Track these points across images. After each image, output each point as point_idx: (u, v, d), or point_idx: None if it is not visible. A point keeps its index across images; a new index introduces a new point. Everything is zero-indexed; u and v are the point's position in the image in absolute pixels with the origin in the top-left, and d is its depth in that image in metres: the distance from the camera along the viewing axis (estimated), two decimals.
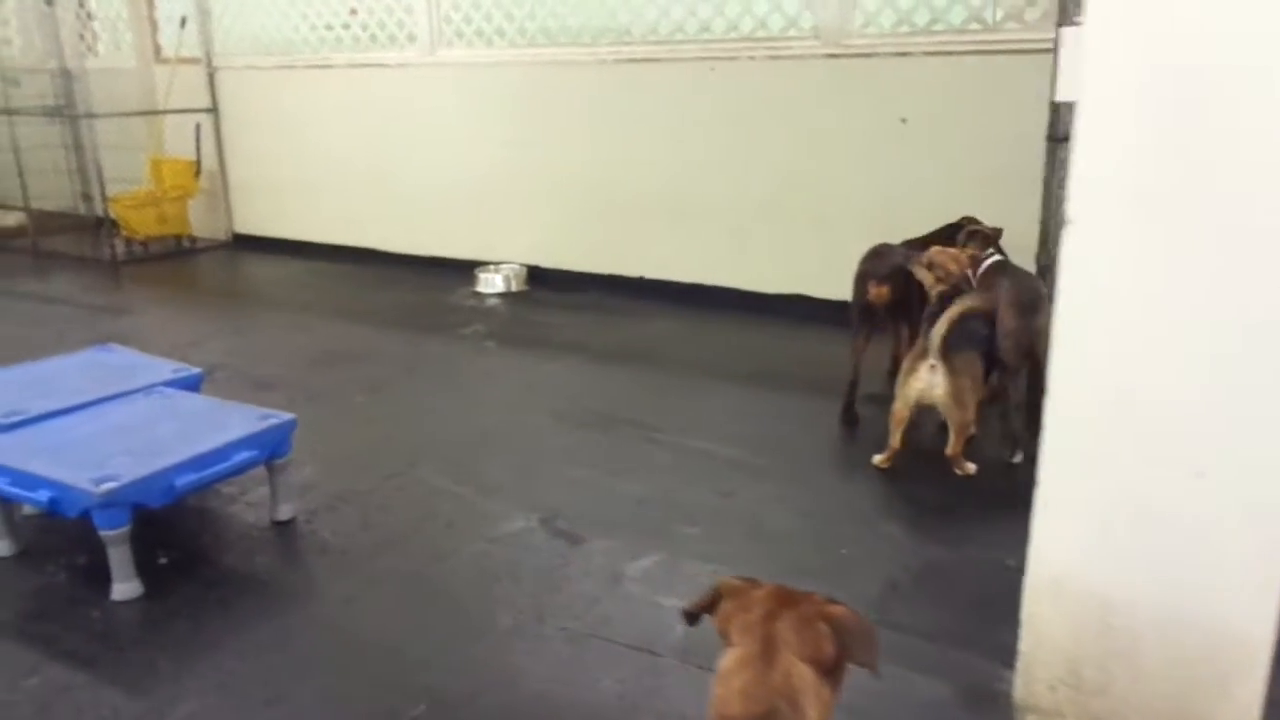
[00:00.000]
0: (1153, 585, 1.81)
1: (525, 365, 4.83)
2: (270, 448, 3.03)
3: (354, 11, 6.88)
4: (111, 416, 3.11)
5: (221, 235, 8.06)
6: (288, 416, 3.09)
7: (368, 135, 6.99)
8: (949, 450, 3.36)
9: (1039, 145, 4.03)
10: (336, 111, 7.09)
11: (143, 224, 7.60)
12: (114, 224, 7.47)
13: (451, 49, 6.50)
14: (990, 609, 2.54)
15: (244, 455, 2.94)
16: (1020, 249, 4.24)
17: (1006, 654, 2.30)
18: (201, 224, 7.99)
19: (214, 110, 7.76)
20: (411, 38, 6.65)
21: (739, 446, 3.70)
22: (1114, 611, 1.86)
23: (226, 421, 3.05)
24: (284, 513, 3.15)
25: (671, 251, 5.91)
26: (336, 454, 3.65)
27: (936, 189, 4.85)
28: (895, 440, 3.42)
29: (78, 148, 8.28)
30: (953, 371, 3.26)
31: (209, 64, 7.67)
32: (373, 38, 6.85)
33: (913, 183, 4.99)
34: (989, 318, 3.38)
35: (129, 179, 7.69)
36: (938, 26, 4.91)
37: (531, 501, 3.25)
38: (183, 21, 7.61)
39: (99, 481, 2.61)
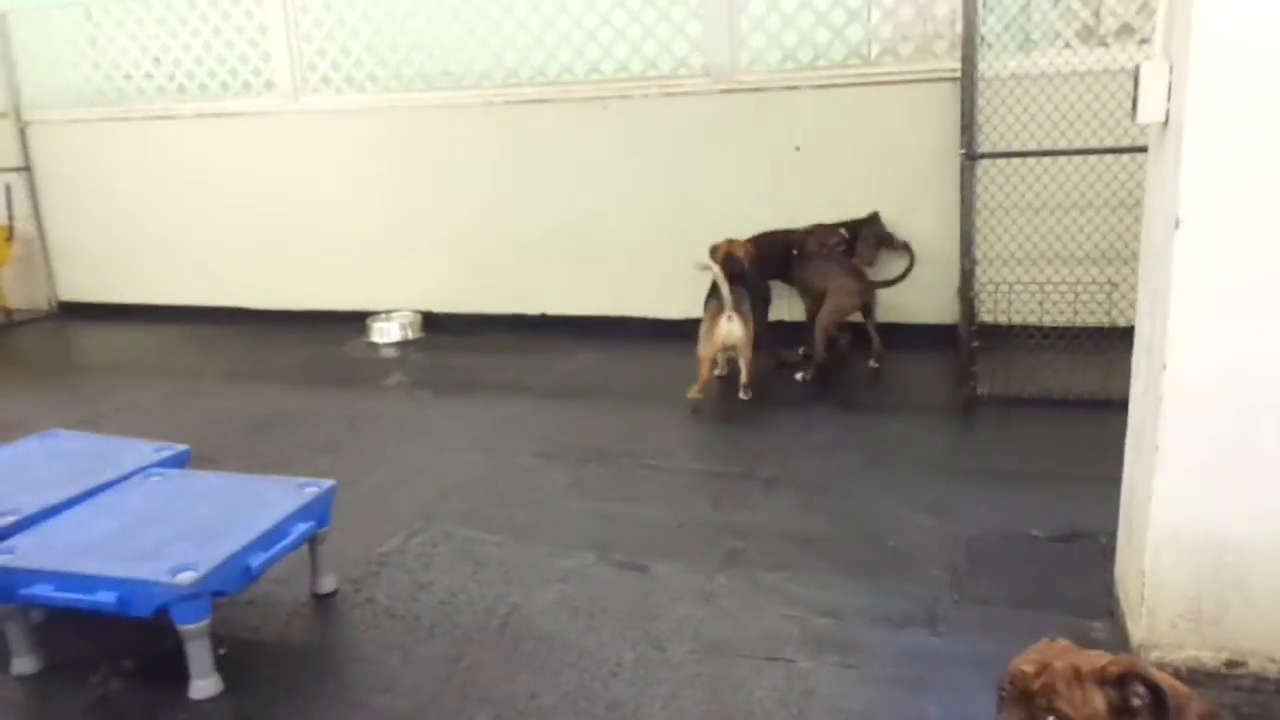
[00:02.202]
0: (1261, 521, 2.16)
1: (471, 410, 4.77)
2: (320, 517, 2.89)
3: (157, 60, 6.50)
4: (125, 505, 2.84)
5: (43, 305, 7.31)
6: (328, 484, 2.96)
7: (221, 189, 6.60)
8: (743, 379, 4.54)
9: (947, 165, 4.51)
10: (182, 165, 6.65)
11: None
12: None
13: (318, 95, 6.29)
14: (1045, 571, 2.87)
15: (302, 528, 2.79)
16: (938, 256, 4.72)
17: (1081, 606, 2.65)
18: (16, 294, 7.20)
19: (27, 169, 7.04)
20: (269, 85, 6.38)
21: (736, 463, 3.88)
22: (1228, 550, 2.20)
23: (265, 495, 2.87)
24: (327, 585, 3.00)
25: (574, 287, 6.00)
26: (341, 520, 3.48)
27: (837, 210, 5.26)
28: (704, 375, 4.56)
29: None
30: (745, 321, 4.39)
31: (18, 118, 6.95)
32: (224, 86, 6.49)
33: (811, 205, 5.37)
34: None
35: None
36: (821, 62, 5.35)
37: (574, 539, 3.27)
38: None
39: (174, 572, 2.41)
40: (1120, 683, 1.55)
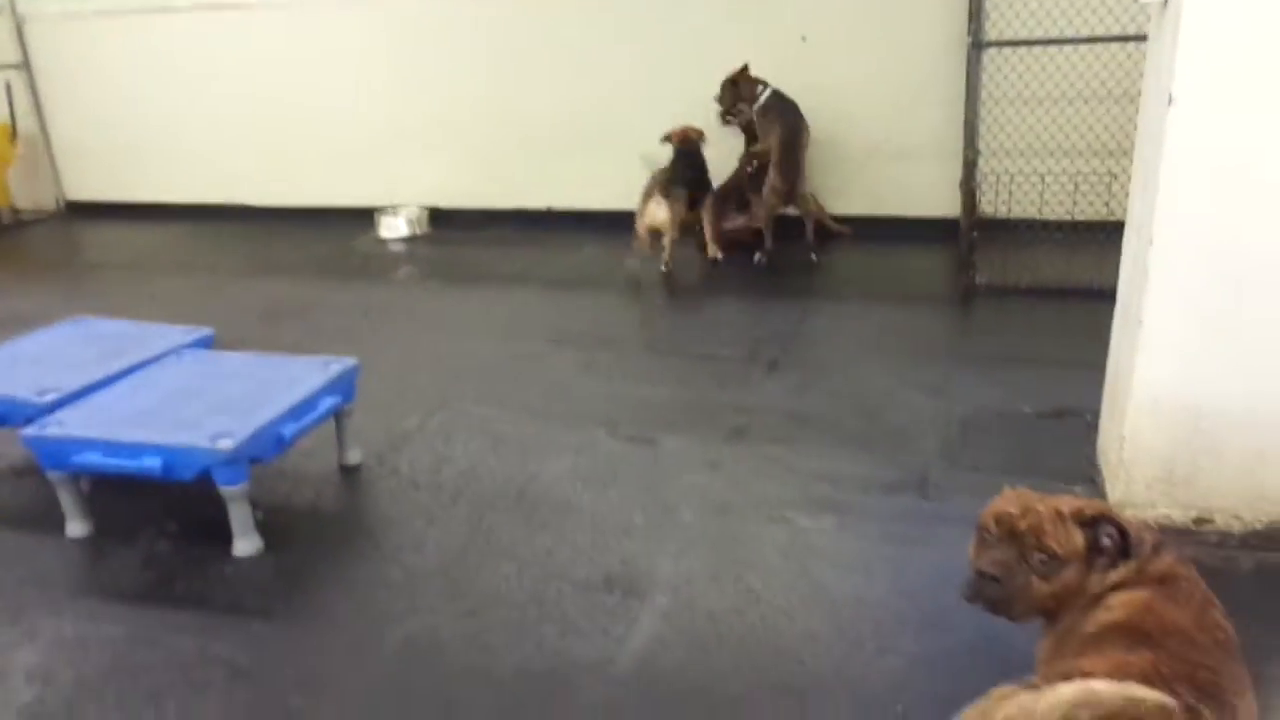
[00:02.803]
0: (1235, 390, 2.31)
1: (482, 300, 4.90)
2: (346, 392, 3.04)
3: None
4: (161, 382, 2.99)
5: (50, 205, 7.35)
6: (350, 361, 3.10)
7: (228, 83, 6.58)
8: (665, 256, 4.96)
9: (954, 55, 4.53)
10: (185, 59, 6.62)
11: None
12: None
13: None
14: (1033, 443, 3.04)
15: (329, 401, 2.95)
16: (942, 149, 4.77)
17: (1064, 474, 2.82)
18: (22, 194, 7.24)
19: (25, 66, 6.99)
20: None
21: (739, 348, 4.02)
22: (1204, 416, 2.35)
23: (291, 372, 3.02)
24: (353, 457, 3.17)
25: (581, 180, 6.05)
26: (362, 401, 3.62)
27: (843, 100, 5.28)
28: (646, 248, 5.00)
29: None
30: (672, 205, 4.84)
31: (14, 13, 6.87)
32: None
33: (817, 96, 5.38)
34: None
35: None
36: None
37: (586, 417, 3.43)
38: None
39: (214, 439, 2.56)
40: (1093, 523, 1.70)
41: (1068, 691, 1.17)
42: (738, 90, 5.08)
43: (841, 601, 2.36)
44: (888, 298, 4.68)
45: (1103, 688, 1.18)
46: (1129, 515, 1.76)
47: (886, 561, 2.50)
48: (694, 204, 5.12)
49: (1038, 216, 4.60)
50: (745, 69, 5.08)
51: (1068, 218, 4.50)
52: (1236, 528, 2.45)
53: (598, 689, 2.11)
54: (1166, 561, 1.58)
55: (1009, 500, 1.77)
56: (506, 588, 2.48)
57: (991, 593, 1.70)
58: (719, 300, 4.77)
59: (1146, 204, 2.30)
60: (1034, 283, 4.31)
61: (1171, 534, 2.46)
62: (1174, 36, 2.10)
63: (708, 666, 2.17)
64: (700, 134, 5.19)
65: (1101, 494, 2.65)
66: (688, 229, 5.17)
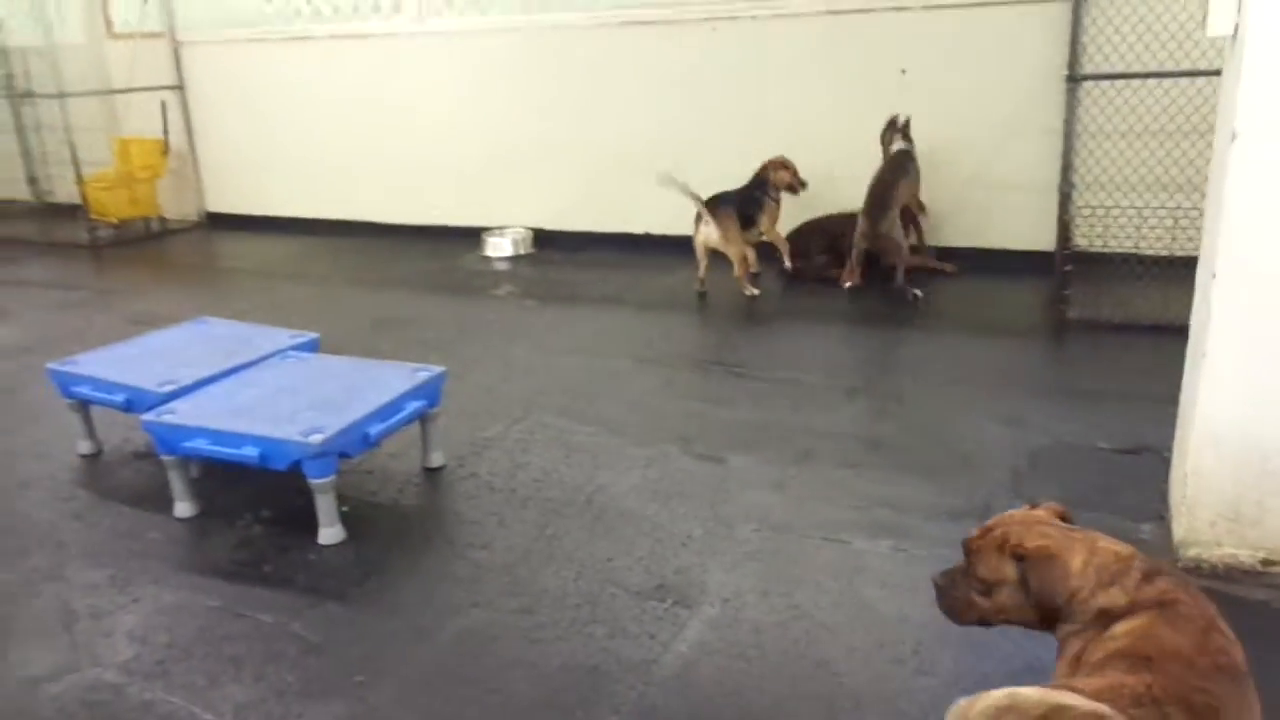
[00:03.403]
0: None
1: (574, 319, 5.07)
2: (431, 398, 3.24)
3: None
4: (265, 380, 3.25)
5: (193, 215, 7.94)
6: (438, 369, 3.29)
7: (354, 107, 7.01)
8: (736, 273, 5.07)
9: (1051, 88, 4.48)
10: (318, 84, 7.08)
11: (115, 206, 7.43)
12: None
13: (441, 17, 6.58)
14: (1104, 478, 2.99)
15: (415, 405, 3.14)
16: (1038, 182, 4.71)
17: (1133, 511, 2.77)
18: (170, 204, 7.85)
19: (180, 87, 7.62)
20: (397, 7, 6.70)
21: (820, 373, 4.06)
22: (1272, 456, 2.29)
23: (382, 377, 3.23)
24: (436, 460, 3.36)
25: (676, 206, 6.13)
26: (450, 408, 3.82)
27: (941, 133, 5.27)
28: (701, 272, 5.24)
29: (19, 130, 8.02)
30: (721, 223, 4.99)
31: (173, 39, 7.50)
32: (354, 8, 6.85)
33: (916, 130, 5.38)
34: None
35: (85, 161, 7.46)
36: None
37: (660, 434, 3.54)
38: None
39: (307, 433, 2.78)
40: (1020, 558, 1.72)
41: (995, 696, 1.21)
42: (889, 132, 5.23)
43: (886, 620, 2.39)
44: (978, 330, 4.63)
45: (1028, 693, 1.21)
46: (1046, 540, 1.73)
47: None
48: (749, 224, 5.23)
49: (1135, 251, 4.48)
50: (907, 121, 5.19)
51: (1165, 253, 4.37)
52: None
53: (637, 688, 2.20)
54: (1160, 587, 1.58)
55: (996, 520, 1.83)
56: (563, 589, 2.60)
57: (938, 598, 1.85)
58: (806, 327, 4.81)
59: (1212, 236, 2.27)
60: (1127, 318, 4.21)
61: (1239, 575, 2.40)
62: (1238, 72, 2.09)
63: (746, 674, 2.23)
64: (783, 165, 5.31)
65: (1169, 532, 2.60)
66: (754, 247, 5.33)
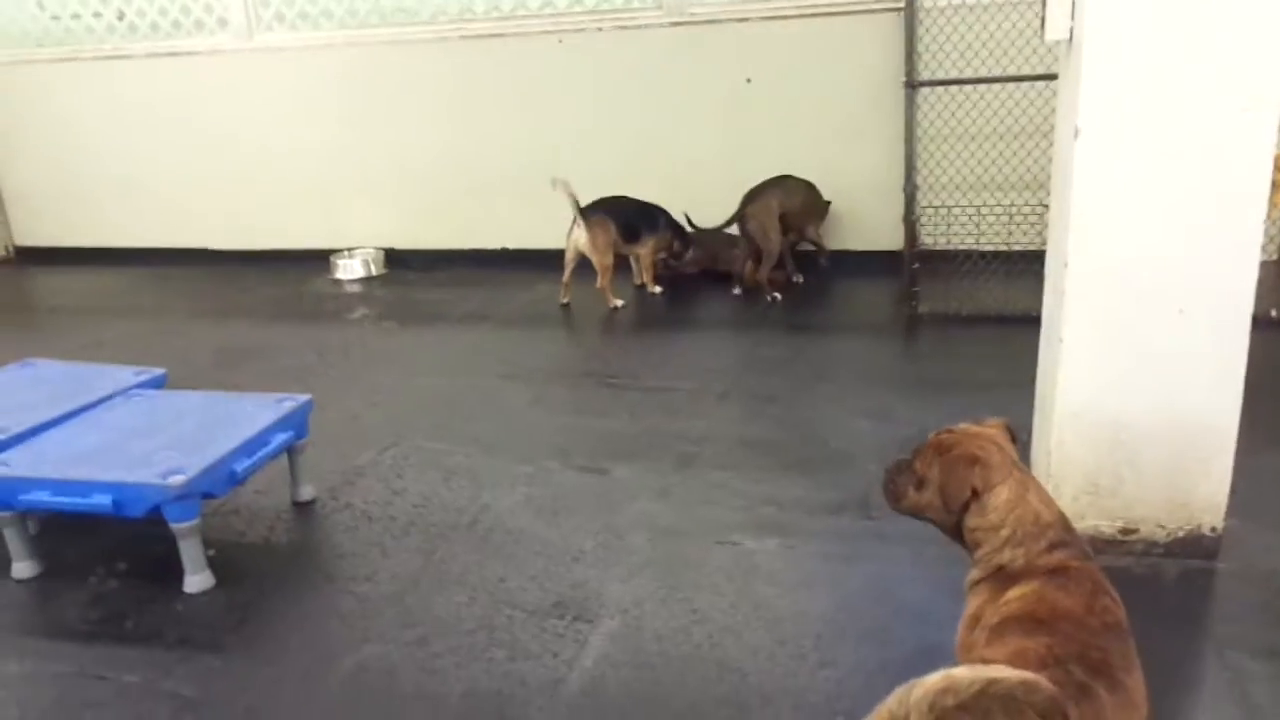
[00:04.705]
0: (1150, 402, 2.42)
1: (437, 339, 4.95)
2: (298, 428, 3.07)
3: None
4: (111, 422, 3.00)
5: None
6: (304, 398, 3.14)
7: (179, 128, 6.61)
8: (597, 285, 5.11)
9: (891, 95, 4.70)
10: (138, 105, 6.64)
11: None
12: None
13: (272, 33, 6.30)
14: None
15: (282, 437, 2.98)
16: (883, 185, 4.93)
17: None
18: None
19: None
20: (223, 23, 6.37)
21: (689, 379, 4.10)
22: (1122, 429, 2.46)
23: (243, 409, 3.04)
24: (306, 493, 3.19)
25: (533, 221, 6.12)
26: (316, 438, 3.64)
27: (786, 140, 5.45)
28: (565, 277, 5.23)
29: None
30: (593, 229, 5.01)
31: None
32: (175, 24, 6.47)
33: (762, 137, 5.55)
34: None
35: None
36: None
37: (538, 449, 3.48)
38: None
39: (166, 475, 2.59)
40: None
41: (931, 680, 1.26)
42: None
43: (785, 618, 2.43)
44: (837, 329, 4.80)
45: (962, 673, 1.26)
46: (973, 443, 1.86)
47: (827, 578, 2.58)
48: (633, 237, 5.28)
49: (975, 247, 4.76)
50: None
51: (1004, 248, 4.66)
52: (1160, 536, 2.55)
53: (546, 709, 2.15)
54: (1058, 557, 1.69)
55: (954, 428, 1.97)
56: (457, 615, 2.52)
57: (884, 482, 2.02)
58: (673, 335, 4.86)
59: (1061, 230, 2.43)
60: (973, 310, 4.46)
61: (1101, 544, 2.56)
62: (1078, 73, 2.24)
63: (654, 684, 2.22)
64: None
65: None
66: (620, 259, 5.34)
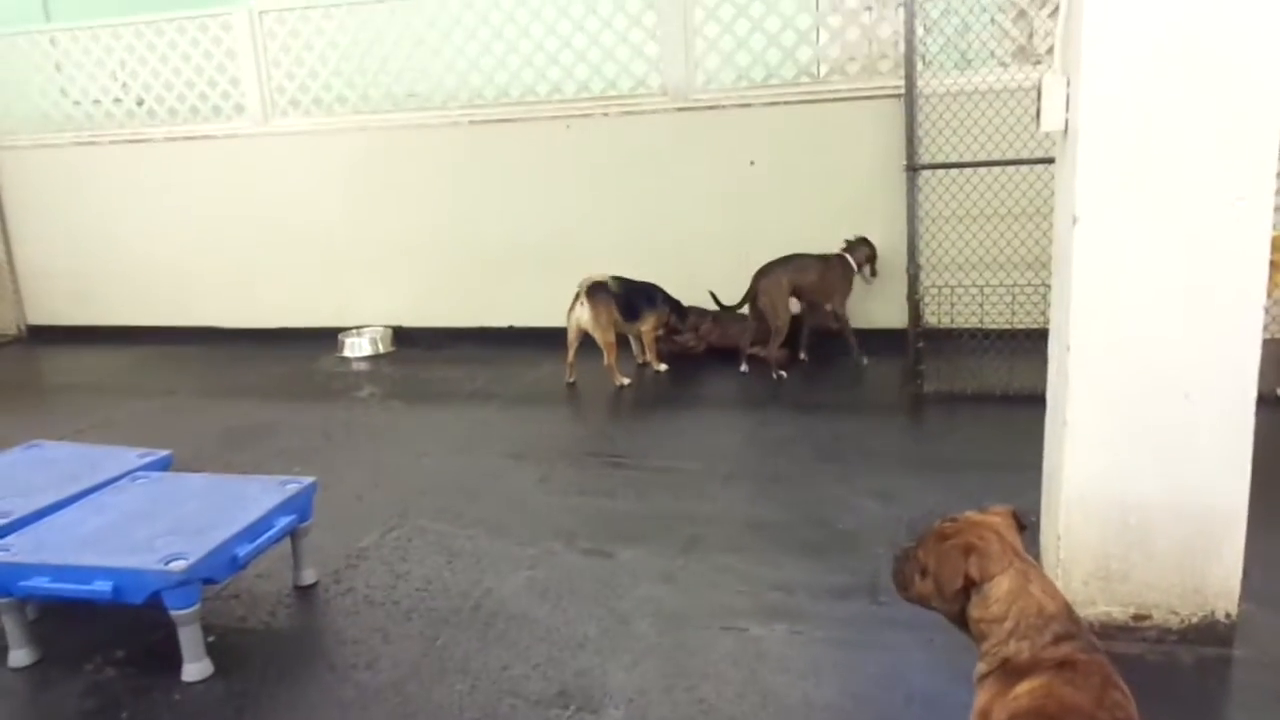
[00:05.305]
0: (1158, 485, 2.41)
1: (443, 418, 4.95)
2: (302, 512, 3.06)
3: (125, 85, 6.68)
4: (114, 505, 2.99)
5: (11, 329, 7.37)
6: (308, 480, 3.13)
7: (194, 210, 6.74)
8: (605, 363, 5.14)
9: (893, 177, 4.78)
10: (155, 187, 6.78)
11: None
12: None
13: (287, 118, 6.46)
14: None
15: (285, 521, 2.96)
16: (887, 264, 4.99)
17: None
18: None
19: None
20: (239, 108, 6.54)
21: (696, 460, 4.09)
22: (1130, 512, 2.44)
23: (246, 492, 3.04)
24: (308, 577, 3.17)
25: (540, 299, 6.18)
26: (320, 519, 3.63)
27: (790, 221, 5.53)
28: (570, 356, 5.25)
29: None
30: (595, 307, 5.04)
31: None
32: (193, 110, 6.64)
33: (765, 217, 5.63)
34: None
35: None
36: (773, 80, 5.63)
37: (543, 531, 3.46)
38: None
39: (167, 561, 2.57)
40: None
41: None
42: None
43: (793, 706, 2.37)
44: (842, 408, 4.80)
45: None
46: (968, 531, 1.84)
47: (836, 666, 2.53)
48: (633, 315, 5.32)
49: (980, 326, 4.78)
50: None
51: (1007, 326, 4.69)
52: (1174, 623, 2.51)
53: None
54: (1065, 650, 1.66)
55: (959, 516, 1.94)
56: (459, 704, 2.47)
57: (893, 569, 2.01)
58: (678, 414, 4.87)
59: (1063, 313, 2.44)
60: (978, 389, 4.46)
61: (1114, 631, 2.52)
62: (1074, 163, 2.28)
63: None
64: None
65: None
66: (623, 338, 5.41)
